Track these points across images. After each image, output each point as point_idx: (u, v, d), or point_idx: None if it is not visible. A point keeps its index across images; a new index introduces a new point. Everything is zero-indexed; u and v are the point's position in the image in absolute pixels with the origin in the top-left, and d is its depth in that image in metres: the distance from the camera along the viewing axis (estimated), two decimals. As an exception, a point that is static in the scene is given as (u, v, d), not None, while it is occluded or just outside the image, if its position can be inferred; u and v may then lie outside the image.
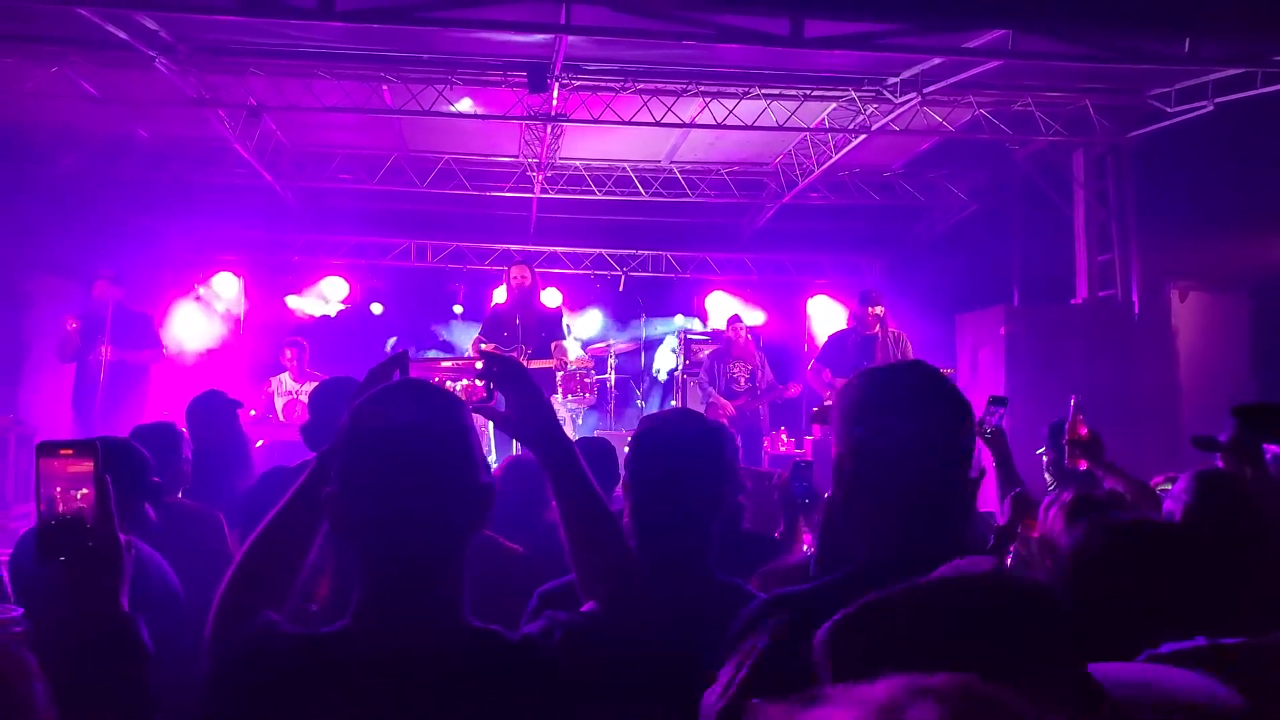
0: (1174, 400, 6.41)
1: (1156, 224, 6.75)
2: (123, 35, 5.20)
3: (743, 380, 6.53)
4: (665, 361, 8.62)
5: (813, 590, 1.20)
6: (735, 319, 6.88)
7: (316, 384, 6.49)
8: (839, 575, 1.23)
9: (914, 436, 1.17)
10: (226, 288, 8.38)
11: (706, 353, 7.28)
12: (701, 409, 6.72)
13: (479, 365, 1.31)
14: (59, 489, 1.10)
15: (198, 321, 7.77)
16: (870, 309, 6.14)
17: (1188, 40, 4.93)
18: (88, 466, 1.11)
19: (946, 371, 6.85)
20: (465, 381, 5.62)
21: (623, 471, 1.61)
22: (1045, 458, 3.47)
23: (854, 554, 1.23)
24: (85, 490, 1.10)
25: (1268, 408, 1.00)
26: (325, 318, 8.54)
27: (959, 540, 1.19)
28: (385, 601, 1.08)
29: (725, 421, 6.23)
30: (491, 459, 5.93)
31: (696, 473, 1.54)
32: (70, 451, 1.11)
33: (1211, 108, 5.81)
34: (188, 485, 2.91)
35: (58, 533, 1.09)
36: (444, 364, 6.08)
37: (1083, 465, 2.84)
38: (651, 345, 8.43)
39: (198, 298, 8.01)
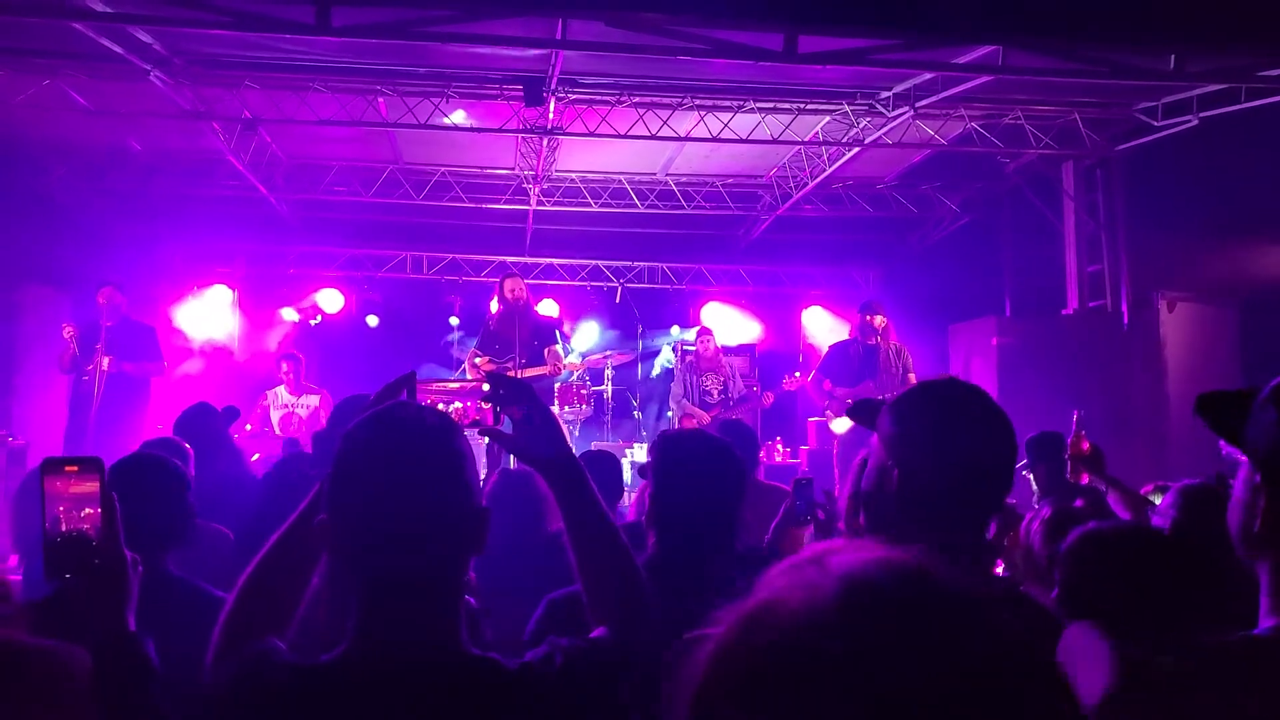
0: (1163, 409, 6.47)
1: (1145, 236, 6.82)
2: (118, 49, 5.20)
3: (715, 392, 6.58)
4: (663, 372, 8.64)
5: None
6: (704, 332, 6.91)
7: (315, 396, 6.44)
8: None
9: (972, 471, 1.21)
10: (202, 313, 8.27)
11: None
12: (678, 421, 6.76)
13: (485, 387, 1.29)
14: (64, 506, 1.09)
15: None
16: (871, 318, 6.19)
17: (1173, 56, 5.00)
18: (93, 483, 1.10)
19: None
20: (458, 404, 5.60)
21: (647, 492, 1.64)
22: (1027, 472, 3.51)
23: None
24: (91, 508, 1.10)
25: (1232, 398, 0.99)
26: (318, 330, 8.52)
27: (968, 551, 1.23)
28: (379, 630, 1.05)
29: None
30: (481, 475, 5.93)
31: (721, 495, 1.58)
32: (75, 468, 1.10)
33: (1196, 122, 5.90)
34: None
35: (63, 551, 1.09)
36: (450, 385, 6.08)
37: (1085, 479, 2.86)
38: (648, 357, 8.46)
39: (171, 326, 7.91)
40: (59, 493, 1.10)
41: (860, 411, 1.41)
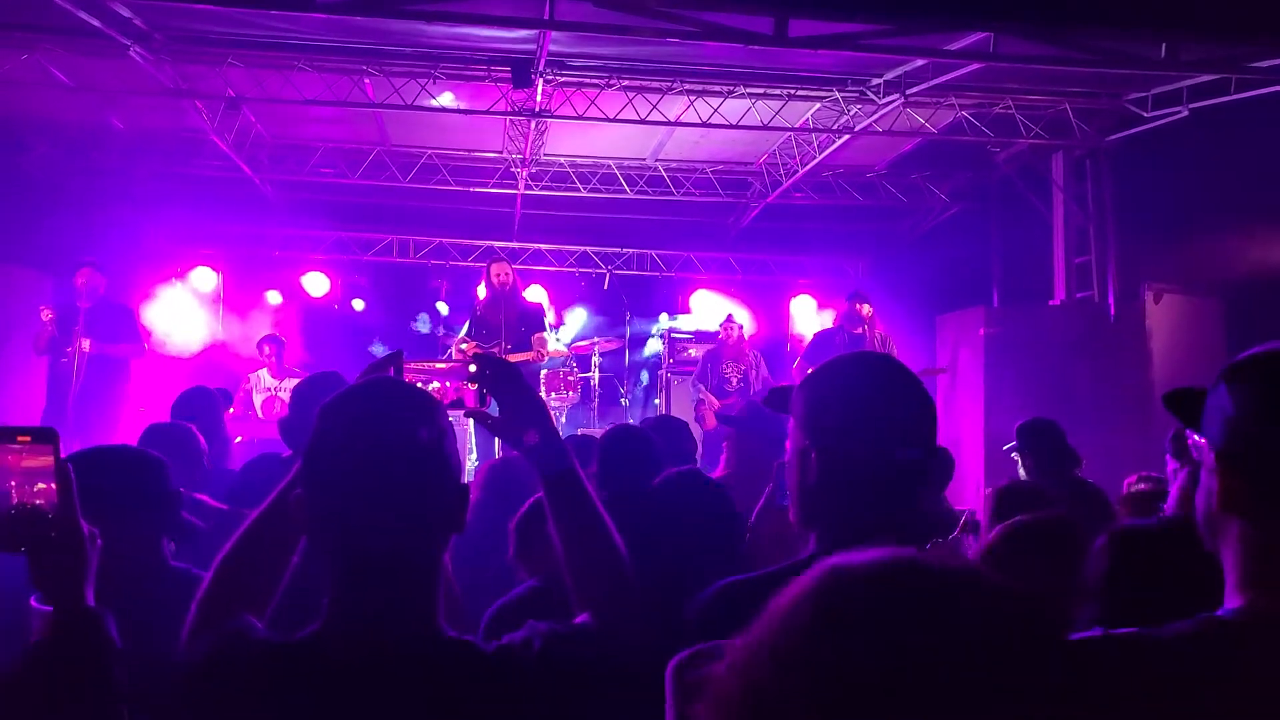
0: (1149, 400, 6.49)
1: (1133, 227, 6.84)
2: (96, 23, 5.10)
3: (734, 380, 6.57)
4: (650, 360, 8.61)
5: (766, 577, 1.21)
6: (729, 319, 6.95)
7: (298, 380, 6.41)
8: (785, 564, 1.23)
9: (885, 430, 1.18)
10: (184, 296, 8.15)
11: (693, 351, 7.30)
12: (691, 406, 6.75)
13: (471, 368, 1.26)
14: (15, 481, 1.06)
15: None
16: (859, 306, 6.20)
17: (1164, 45, 4.99)
18: (46, 453, 1.07)
19: (938, 371, 6.91)
20: (437, 384, 5.57)
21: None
22: (1016, 456, 3.52)
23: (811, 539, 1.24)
24: (45, 478, 1.07)
25: (1193, 394, 1.01)
26: (303, 313, 8.44)
27: (907, 525, 1.20)
28: (353, 609, 1.04)
29: (711, 417, 6.26)
30: (472, 459, 5.90)
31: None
32: (27, 439, 1.07)
33: (1186, 113, 5.90)
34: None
35: (17, 524, 1.06)
36: (437, 365, 6.03)
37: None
38: (636, 343, 8.43)
39: (153, 307, 7.76)
40: (10, 466, 1.07)
41: (776, 399, 1.37)
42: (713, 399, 6.47)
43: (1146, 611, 1.38)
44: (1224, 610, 0.91)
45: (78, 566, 1.08)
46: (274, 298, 8.42)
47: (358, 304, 8.63)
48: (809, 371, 1.32)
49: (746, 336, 6.98)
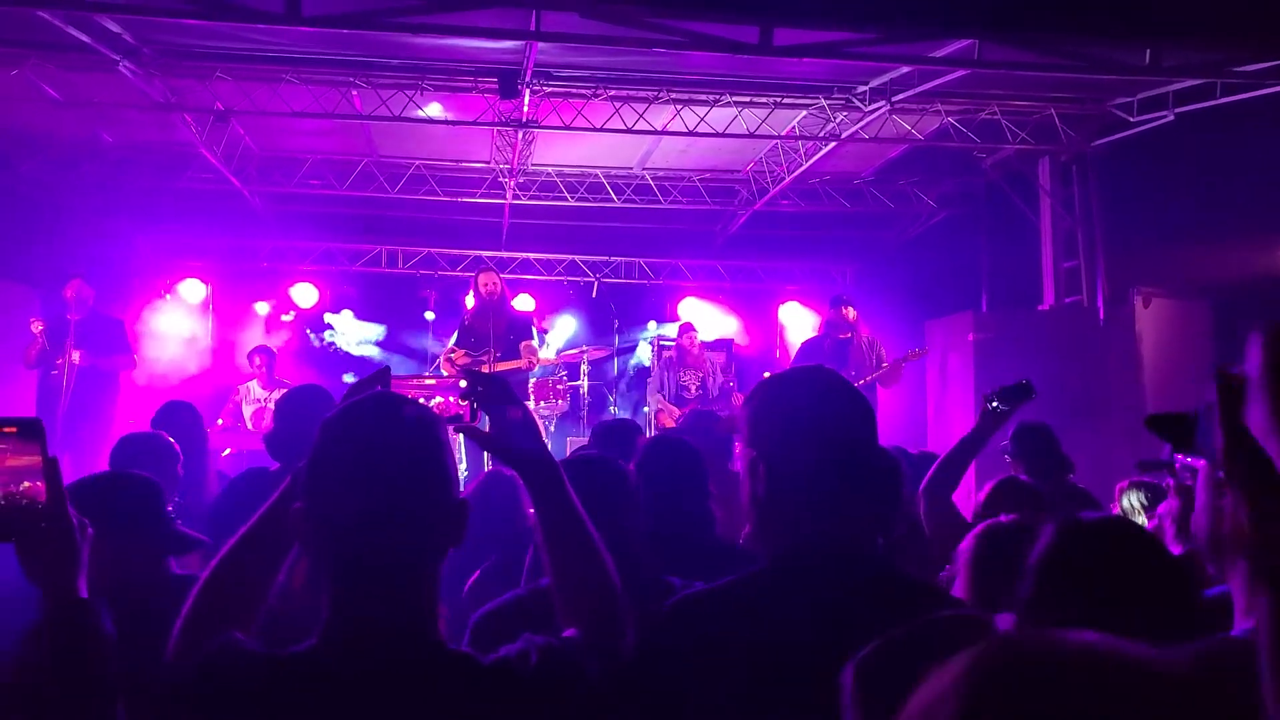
0: (1138, 405, 6.51)
1: (1121, 231, 6.87)
2: (85, 38, 5.11)
3: (693, 388, 6.57)
4: (639, 368, 8.61)
5: (720, 589, 1.22)
6: (687, 327, 6.92)
7: (284, 392, 6.40)
8: (736, 577, 1.24)
9: (824, 440, 1.20)
10: (174, 308, 8.11)
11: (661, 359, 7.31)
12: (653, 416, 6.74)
13: (463, 384, 1.28)
14: (4, 470, 1.07)
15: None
16: (844, 311, 6.21)
17: (1148, 51, 5.03)
18: (34, 444, 1.09)
19: (920, 354, 6.89)
20: (440, 399, 5.57)
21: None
22: (1008, 457, 3.54)
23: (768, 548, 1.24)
24: (33, 469, 1.08)
25: (1177, 417, 1.01)
26: (292, 325, 8.42)
27: (873, 531, 1.21)
28: (353, 622, 1.04)
29: (673, 426, 6.24)
30: (461, 469, 5.89)
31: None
32: (13, 430, 1.08)
33: (1172, 117, 5.94)
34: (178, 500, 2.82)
35: (6, 514, 1.07)
36: (427, 381, 6.03)
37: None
38: (625, 352, 8.42)
39: (143, 321, 7.71)
40: None
41: (723, 423, 1.41)
42: (671, 408, 6.45)
43: (1080, 602, 1.36)
44: (1239, 631, 0.92)
45: (69, 556, 1.09)
46: (263, 309, 8.40)
47: (346, 315, 8.59)
48: (751, 390, 1.35)
49: (702, 344, 6.95)
